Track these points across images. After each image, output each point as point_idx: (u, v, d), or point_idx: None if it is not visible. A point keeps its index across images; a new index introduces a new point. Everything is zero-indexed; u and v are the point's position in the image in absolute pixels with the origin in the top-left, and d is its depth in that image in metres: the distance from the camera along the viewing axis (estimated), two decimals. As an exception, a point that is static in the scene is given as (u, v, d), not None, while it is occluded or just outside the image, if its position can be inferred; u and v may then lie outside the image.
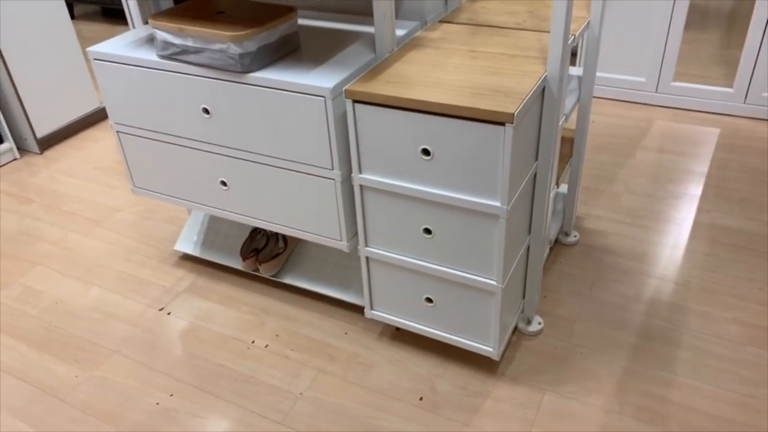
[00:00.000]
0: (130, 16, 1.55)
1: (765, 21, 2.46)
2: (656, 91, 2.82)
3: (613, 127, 2.69)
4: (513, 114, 1.14)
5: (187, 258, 2.08)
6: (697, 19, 3.83)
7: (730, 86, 2.70)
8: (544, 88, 1.32)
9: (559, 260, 1.95)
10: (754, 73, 2.59)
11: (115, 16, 4.66)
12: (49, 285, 1.99)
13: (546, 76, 1.30)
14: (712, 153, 2.46)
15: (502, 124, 1.17)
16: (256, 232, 1.98)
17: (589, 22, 1.62)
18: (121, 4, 4.22)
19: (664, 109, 2.83)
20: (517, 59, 1.38)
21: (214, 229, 2.05)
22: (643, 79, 2.82)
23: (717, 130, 2.62)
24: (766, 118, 2.67)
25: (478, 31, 1.57)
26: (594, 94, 2.96)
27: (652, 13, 2.65)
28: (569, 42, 1.34)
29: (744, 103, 2.67)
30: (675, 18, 2.61)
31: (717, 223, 2.08)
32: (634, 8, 2.67)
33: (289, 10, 1.49)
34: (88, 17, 4.67)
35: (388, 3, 1.37)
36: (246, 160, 1.55)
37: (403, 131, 1.28)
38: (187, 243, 2.05)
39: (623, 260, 1.94)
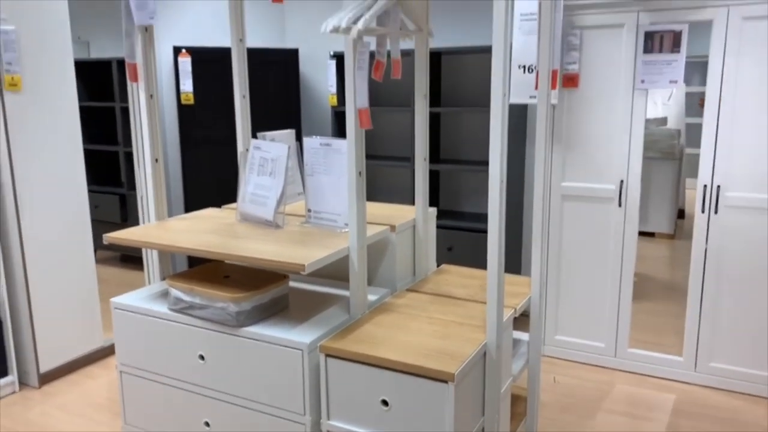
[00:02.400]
0: (150, 274, 1.87)
1: (699, 297, 2.82)
2: (615, 356, 3.07)
3: (577, 389, 2.89)
4: (454, 374, 1.39)
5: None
6: (650, 288, 4.25)
7: (681, 354, 2.96)
8: (485, 353, 1.58)
9: None
10: (699, 344, 2.87)
11: (132, 262, 5.15)
12: None
13: (485, 342, 1.58)
14: (668, 419, 2.62)
15: (446, 381, 1.40)
16: (230, 474, 2.06)
17: (530, 297, 1.95)
18: (138, 252, 4.72)
19: (624, 373, 3.05)
20: (465, 326, 1.67)
21: (191, 470, 2.13)
22: (602, 345, 3.09)
23: (673, 397, 2.81)
24: (718, 387, 2.87)
25: (437, 300, 1.89)
26: (559, 356, 3.21)
27: (603, 284, 3.04)
28: (510, 315, 1.64)
29: (695, 371, 2.91)
30: (623, 289, 2.99)
31: (674, 488, 2.15)
32: (587, 278, 3.07)
33: (283, 277, 1.83)
34: (107, 261, 5.16)
35: (361, 276, 1.71)
36: (229, 402, 1.74)
37: (367, 383, 1.51)
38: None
39: None
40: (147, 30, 1.97)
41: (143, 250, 3.37)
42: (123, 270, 4.91)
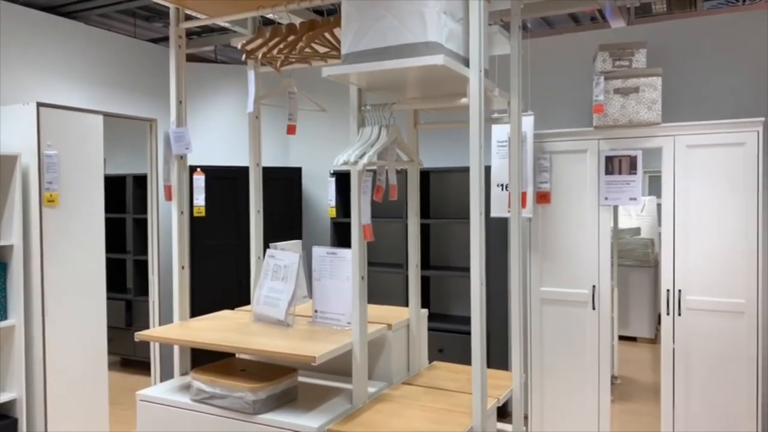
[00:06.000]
0: (155, 375, 2.08)
1: (671, 396, 3.04)
2: (599, 454, 3.23)
3: (565, 485, 3.02)
4: (444, 450, 1.61)
5: None
6: (634, 390, 4.43)
7: (661, 451, 3.13)
8: (472, 435, 1.81)
9: None
10: (677, 441, 3.05)
11: (133, 366, 5.28)
12: None
13: (471, 426, 1.81)
14: None
15: (438, 458, 1.62)
16: None
17: (511, 389, 2.19)
18: (140, 356, 4.87)
19: (610, 470, 3.20)
20: (454, 413, 1.90)
21: None
22: (587, 442, 3.26)
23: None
24: (697, 482, 3.03)
25: (429, 392, 2.12)
26: (548, 455, 3.36)
27: (583, 383, 3.25)
28: (494, 403, 1.88)
29: (675, 467, 3.07)
30: (602, 388, 3.20)
31: None
32: (568, 377, 3.28)
33: (292, 370, 2.07)
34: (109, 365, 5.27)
35: (362, 368, 1.95)
36: (243, 486, 1.92)
37: (368, 463, 1.72)
38: None
39: None
40: (182, 158, 2.34)
41: (151, 354, 3.58)
42: (123, 374, 5.03)
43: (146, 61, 4.52)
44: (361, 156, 1.84)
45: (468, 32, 1.82)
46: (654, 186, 4.15)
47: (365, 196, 1.89)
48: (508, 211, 3.26)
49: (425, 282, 4.14)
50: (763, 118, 2.89)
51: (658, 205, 7.22)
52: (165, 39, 4.79)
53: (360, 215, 1.89)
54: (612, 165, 3.17)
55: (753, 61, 3.36)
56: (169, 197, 2.29)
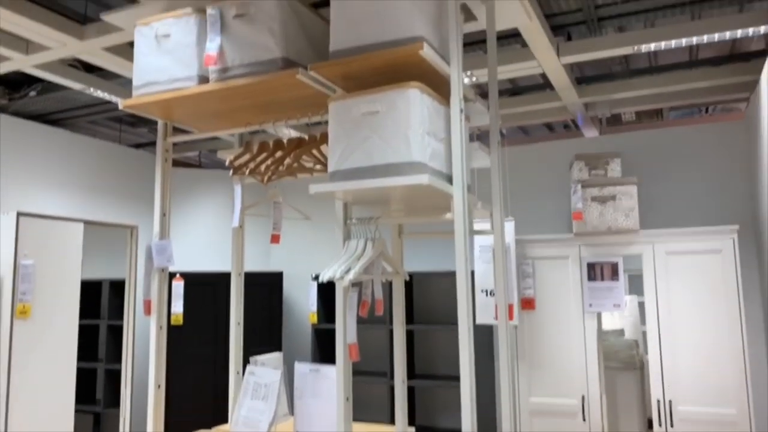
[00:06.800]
0: None
1: None
2: None
3: None
4: None
5: None
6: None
7: None
8: None
9: None
10: None
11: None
12: None
13: None
14: None
15: None
16: None
17: None
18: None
19: None
20: None
21: None
22: None
23: None
24: None
25: None
26: None
27: (579, 504, 3.09)
28: None
29: None
30: None
31: None
32: (564, 499, 3.12)
33: (272, 501, 1.93)
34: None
35: (348, 499, 1.83)
36: None
37: None
38: None
39: None
40: (163, 271, 2.30)
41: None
42: (86, 495, 4.67)
43: (129, 166, 4.56)
44: (347, 271, 1.82)
45: (449, 150, 1.86)
46: (634, 285, 4.18)
47: (351, 313, 1.85)
48: (495, 319, 3.22)
49: (410, 392, 4.00)
50: (737, 226, 2.96)
51: (640, 304, 7.22)
52: (149, 144, 4.87)
53: (345, 334, 1.84)
54: (594, 271, 3.19)
55: (722, 169, 3.50)
56: (148, 312, 2.23)
